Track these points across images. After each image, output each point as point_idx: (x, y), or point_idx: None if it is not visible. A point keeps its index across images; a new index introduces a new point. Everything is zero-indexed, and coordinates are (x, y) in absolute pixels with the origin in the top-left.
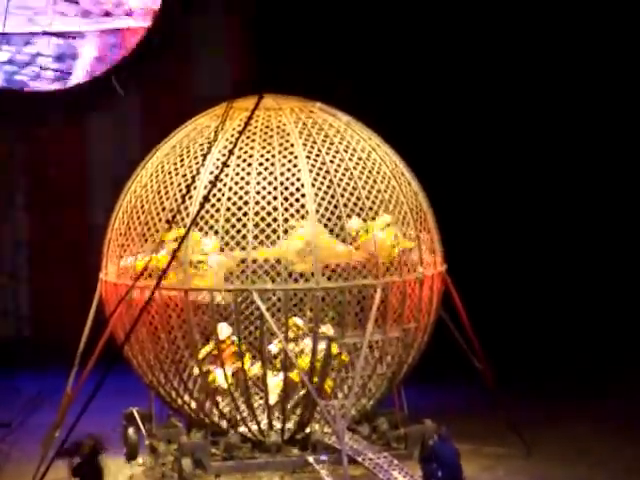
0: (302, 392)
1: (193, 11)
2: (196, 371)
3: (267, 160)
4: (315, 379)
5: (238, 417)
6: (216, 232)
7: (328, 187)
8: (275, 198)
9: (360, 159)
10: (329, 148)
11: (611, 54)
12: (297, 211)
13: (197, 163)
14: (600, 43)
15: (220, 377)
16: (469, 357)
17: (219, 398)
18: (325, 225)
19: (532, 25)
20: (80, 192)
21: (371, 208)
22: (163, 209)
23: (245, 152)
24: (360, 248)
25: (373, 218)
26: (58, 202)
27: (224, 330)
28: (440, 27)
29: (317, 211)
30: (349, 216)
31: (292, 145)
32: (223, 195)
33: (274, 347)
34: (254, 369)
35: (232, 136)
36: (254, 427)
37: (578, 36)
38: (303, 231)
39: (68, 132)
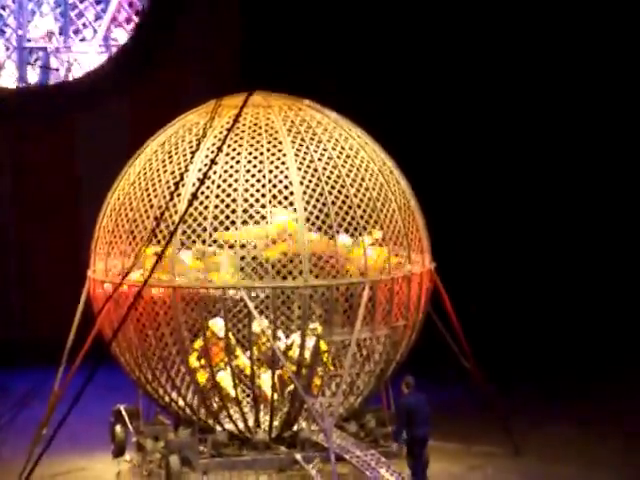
0: (290, 388)
1: (179, 8)
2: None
3: (255, 158)
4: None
5: (225, 414)
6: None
7: (316, 185)
8: (263, 196)
9: (348, 157)
10: (317, 146)
11: (610, 54)
12: (285, 208)
13: (185, 160)
14: (597, 43)
15: (227, 380)
16: (457, 355)
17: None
18: (313, 223)
19: (520, 20)
20: (70, 191)
21: (359, 206)
22: (151, 206)
23: (233, 149)
24: (350, 262)
25: (364, 229)
26: (48, 201)
27: (218, 323)
28: (428, 24)
29: (305, 209)
30: (337, 213)
31: (280, 143)
32: (211, 192)
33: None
34: (245, 362)
35: (221, 133)
36: (241, 424)
37: (568, 35)
38: (280, 219)
39: (58, 130)
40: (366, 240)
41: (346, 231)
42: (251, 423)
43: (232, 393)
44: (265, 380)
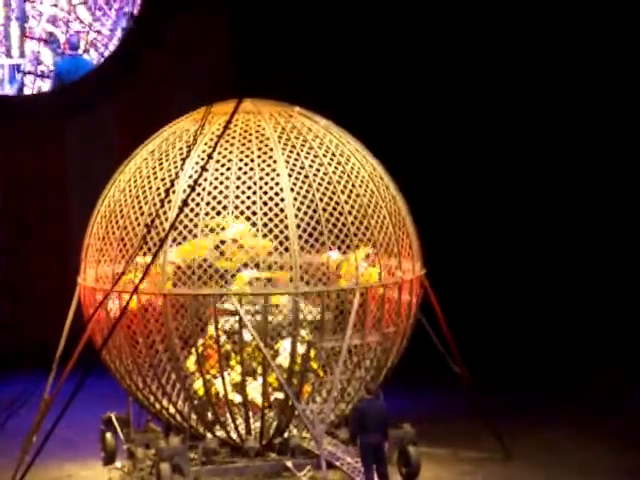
0: (280, 395)
1: (173, 14)
2: (198, 384)
3: (246, 164)
4: (294, 382)
5: (215, 422)
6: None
7: (307, 191)
8: (254, 202)
9: (339, 163)
10: (308, 152)
11: (607, 54)
12: (276, 215)
13: (176, 167)
14: (592, 42)
15: (220, 386)
16: (447, 361)
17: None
18: (304, 230)
19: (509, 20)
20: (59, 195)
21: (350, 212)
22: (142, 214)
23: (224, 156)
24: (343, 278)
25: (355, 235)
26: (37, 205)
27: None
28: (415, 29)
29: (296, 215)
30: (328, 220)
31: (271, 149)
32: (202, 199)
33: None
34: (234, 376)
35: (211, 140)
36: (233, 432)
37: (558, 33)
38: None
39: (46, 135)
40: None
41: (337, 237)
42: (242, 430)
43: (234, 398)
44: (253, 388)
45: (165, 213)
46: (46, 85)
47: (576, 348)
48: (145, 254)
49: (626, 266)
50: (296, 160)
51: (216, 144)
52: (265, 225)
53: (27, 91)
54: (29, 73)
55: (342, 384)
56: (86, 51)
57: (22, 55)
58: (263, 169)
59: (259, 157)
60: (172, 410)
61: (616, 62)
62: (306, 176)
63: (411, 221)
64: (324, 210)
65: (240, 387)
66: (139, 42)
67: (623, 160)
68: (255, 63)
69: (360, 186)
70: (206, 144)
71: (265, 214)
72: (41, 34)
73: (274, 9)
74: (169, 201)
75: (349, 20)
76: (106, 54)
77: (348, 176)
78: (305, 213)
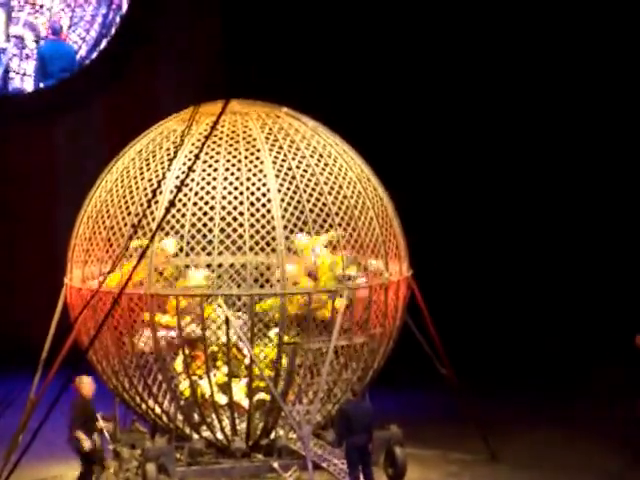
0: (266, 396)
1: (159, 13)
2: (183, 385)
3: (233, 165)
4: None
5: (201, 422)
6: (181, 236)
7: (294, 193)
8: (241, 203)
9: (326, 165)
10: (295, 154)
11: (600, 54)
12: (263, 216)
13: (163, 168)
14: (582, 42)
15: (205, 386)
16: (434, 362)
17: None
18: (291, 231)
19: (501, 24)
20: (48, 194)
21: (337, 214)
22: (129, 214)
23: (211, 157)
24: (300, 262)
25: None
26: (24, 204)
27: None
28: (405, 28)
29: (283, 216)
30: (315, 221)
31: (258, 150)
32: (189, 200)
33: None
34: (219, 376)
35: (198, 141)
36: (219, 433)
37: (554, 34)
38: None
39: (33, 133)
40: (321, 238)
41: None
42: (228, 431)
43: (220, 400)
44: (238, 390)
45: (152, 213)
46: (30, 67)
47: (565, 348)
48: (131, 255)
49: (625, 265)
50: (283, 161)
51: (203, 145)
52: (252, 226)
53: (12, 74)
54: (14, 55)
55: (328, 385)
56: (67, 35)
57: (7, 39)
58: (250, 170)
59: (246, 158)
60: (158, 411)
61: (616, 62)
62: (293, 177)
63: (398, 222)
64: (311, 211)
65: (226, 388)
66: (129, 41)
67: (618, 158)
68: (246, 65)
69: (347, 187)
70: (193, 144)
71: (252, 215)
72: (25, 19)
73: (266, 11)
74: (156, 201)
75: (341, 23)
76: (87, 39)
77: (335, 177)
78: (292, 214)
